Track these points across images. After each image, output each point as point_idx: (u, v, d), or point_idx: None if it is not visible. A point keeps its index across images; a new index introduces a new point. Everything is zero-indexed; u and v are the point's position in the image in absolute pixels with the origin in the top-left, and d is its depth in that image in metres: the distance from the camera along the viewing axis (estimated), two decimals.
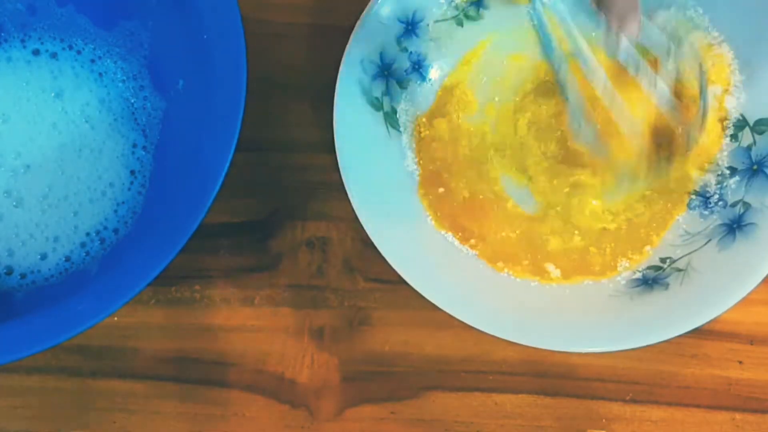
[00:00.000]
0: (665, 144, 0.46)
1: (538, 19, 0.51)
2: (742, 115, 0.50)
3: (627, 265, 0.50)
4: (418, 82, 0.52)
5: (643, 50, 0.44)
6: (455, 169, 0.52)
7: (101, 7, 0.50)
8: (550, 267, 0.50)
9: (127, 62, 0.52)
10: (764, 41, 0.49)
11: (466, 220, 0.51)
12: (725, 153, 0.50)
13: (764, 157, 0.49)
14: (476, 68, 0.53)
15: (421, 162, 0.52)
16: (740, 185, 0.49)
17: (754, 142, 0.49)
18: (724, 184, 0.50)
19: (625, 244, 0.50)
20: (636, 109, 0.45)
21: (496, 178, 0.52)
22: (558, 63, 0.49)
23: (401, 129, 0.51)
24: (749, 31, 0.49)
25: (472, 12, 0.52)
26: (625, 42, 0.43)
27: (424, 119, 0.52)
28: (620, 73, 0.45)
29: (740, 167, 0.50)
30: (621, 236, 0.50)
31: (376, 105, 0.50)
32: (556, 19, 0.49)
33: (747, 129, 0.50)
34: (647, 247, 0.50)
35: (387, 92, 0.51)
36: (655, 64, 0.45)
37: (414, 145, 0.52)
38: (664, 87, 0.44)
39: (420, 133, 0.52)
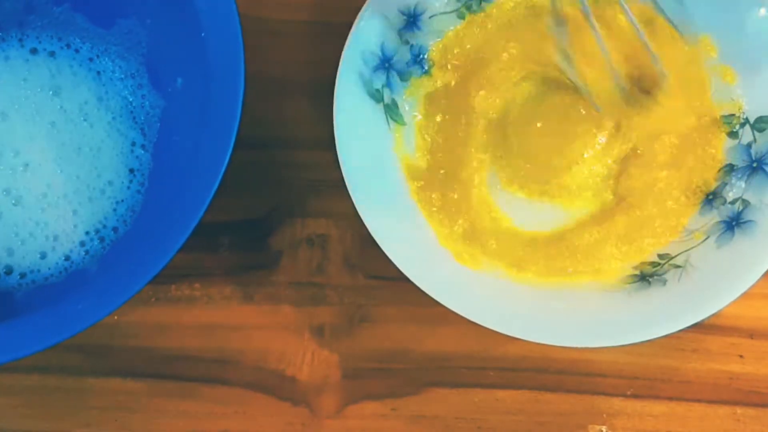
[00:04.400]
0: (641, 77, 0.48)
1: None
2: (743, 113, 0.50)
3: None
4: (419, 74, 0.52)
5: None
6: None
7: (99, 6, 0.50)
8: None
9: (125, 60, 0.51)
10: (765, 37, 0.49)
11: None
12: (725, 150, 0.50)
13: (764, 155, 0.49)
14: None
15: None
16: (740, 182, 0.49)
17: (755, 140, 0.49)
18: (724, 181, 0.50)
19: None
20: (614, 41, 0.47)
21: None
22: None
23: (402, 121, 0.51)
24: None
25: (473, 4, 0.52)
26: None
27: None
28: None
29: (740, 164, 0.49)
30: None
31: (377, 97, 0.50)
32: None
33: (747, 126, 0.50)
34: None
35: (388, 84, 0.51)
36: None
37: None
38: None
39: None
